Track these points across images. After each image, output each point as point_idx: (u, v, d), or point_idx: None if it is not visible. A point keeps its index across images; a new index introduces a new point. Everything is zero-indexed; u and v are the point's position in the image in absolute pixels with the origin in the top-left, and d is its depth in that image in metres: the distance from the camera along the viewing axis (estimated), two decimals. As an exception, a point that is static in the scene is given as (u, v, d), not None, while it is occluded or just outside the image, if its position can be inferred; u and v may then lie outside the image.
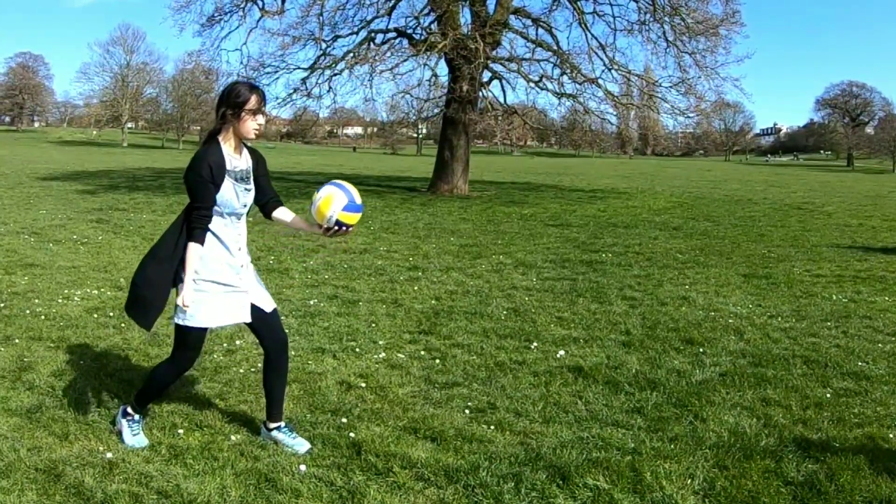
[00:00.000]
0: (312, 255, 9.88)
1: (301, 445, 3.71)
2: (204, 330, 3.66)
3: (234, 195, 3.56)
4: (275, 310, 3.82)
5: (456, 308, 7.01)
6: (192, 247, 3.49)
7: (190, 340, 3.64)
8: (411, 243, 11.61)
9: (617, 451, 3.77)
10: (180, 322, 3.57)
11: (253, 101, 3.51)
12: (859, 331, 6.43)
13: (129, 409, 3.83)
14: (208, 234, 3.55)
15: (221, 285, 3.59)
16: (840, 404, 4.56)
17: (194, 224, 3.50)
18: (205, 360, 5.03)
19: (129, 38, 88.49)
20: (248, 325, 3.76)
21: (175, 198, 17.85)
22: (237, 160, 3.61)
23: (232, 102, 3.50)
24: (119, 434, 3.81)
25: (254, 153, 3.76)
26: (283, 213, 3.81)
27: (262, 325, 3.75)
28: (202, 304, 3.55)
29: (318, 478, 3.40)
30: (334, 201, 3.56)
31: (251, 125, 3.54)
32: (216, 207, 3.54)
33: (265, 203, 3.79)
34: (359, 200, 3.64)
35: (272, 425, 3.81)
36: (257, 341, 4.95)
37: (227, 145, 3.58)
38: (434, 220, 15.05)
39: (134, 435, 3.77)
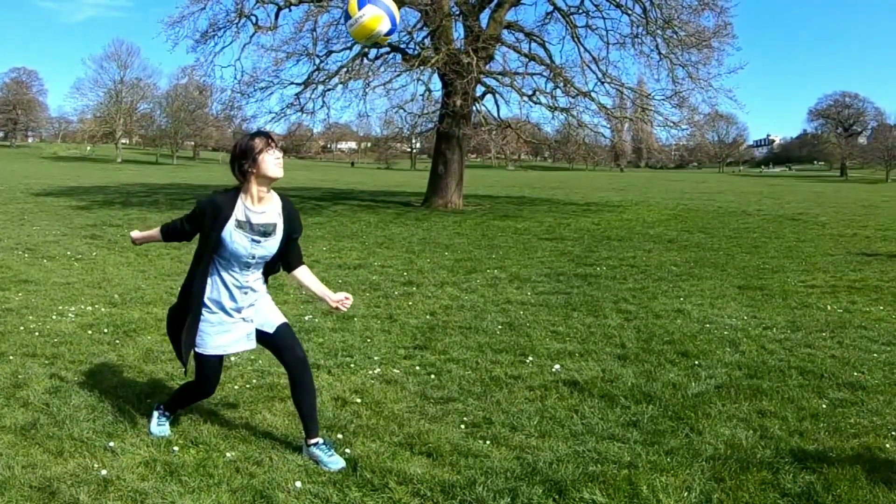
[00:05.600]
0: (308, 270, 9.86)
1: (335, 463, 3.70)
2: (215, 358, 3.83)
3: (244, 245, 3.66)
4: (286, 327, 3.89)
5: (451, 323, 7.00)
6: (158, 229, 4.00)
7: (203, 367, 3.84)
8: (406, 258, 11.61)
9: (613, 465, 3.76)
10: (196, 349, 3.77)
11: (258, 143, 3.63)
12: (854, 341, 6.44)
13: (162, 406, 4.16)
14: (213, 276, 3.73)
15: (223, 320, 3.74)
16: (836, 415, 4.57)
17: (172, 221, 3.94)
18: (200, 376, 5.01)
19: (122, 53, 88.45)
20: (265, 346, 3.92)
21: (169, 213, 17.83)
22: (256, 214, 3.69)
23: (241, 155, 3.63)
24: (149, 420, 4.16)
25: (287, 209, 3.83)
26: (302, 274, 4.01)
27: (277, 344, 3.86)
28: (207, 333, 3.73)
29: (314, 494, 3.39)
30: (381, 23, 3.76)
31: (270, 161, 3.64)
32: (223, 256, 3.69)
33: (290, 262, 3.95)
34: (398, 18, 3.87)
35: (311, 441, 3.81)
36: (251, 358, 4.94)
37: (246, 196, 3.69)
38: (428, 235, 15.06)
39: (159, 426, 4.10)
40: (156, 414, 4.15)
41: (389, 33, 3.82)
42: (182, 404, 4.18)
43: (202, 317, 3.72)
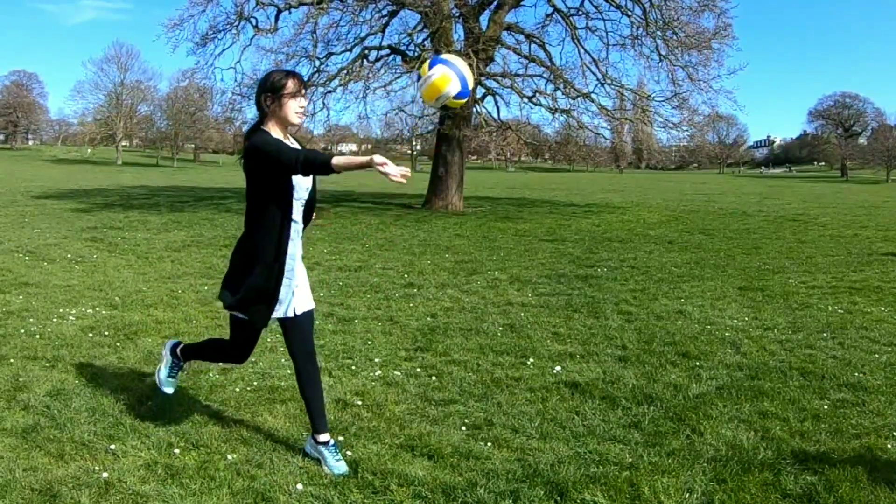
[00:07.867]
0: (308, 273, 9.87)
1: (340, 468, 3.66)
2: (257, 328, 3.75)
3: (300, 177, 3.55)
4: (308, 315, 3.77)
5: (451, 325, 7.00)
6: (337, 157, 3.28)
7: (248, 331, 3.76)
8: (406, 260, 11.61)
9: (615, 467, 3.76)
10: (237, 315, 3.68)
11: (290, 85, 3.51)
12: (855, 342, 6.44)
13: (178, 351, 4.06)
14: (291, 221, 3.56)
15: (286, 278, 3.61)
16: (837, 416, 4.56)
17: (313, 157, 3.29)
18: (200, 378, 5.01)
19: (123, 55, 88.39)
20: (281, 326, 3.77)
21: (170, 216, 17.83)
22: (291, 143, 3.60)
23: (269, 88, 3.51)
24: (158, 362, 4.16)
25: (299, 142, 3.76)
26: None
27: (294, 329, 3.72)
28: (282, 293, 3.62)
29: (315, 496, 3.39)
30: (451, 83, 3.61)
31: (293, 107, 3.53)
32: (286, 198, 3.52)
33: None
34: (471, 84, 3.71)
35: (321, 439, 3.75)
36: (252, 360, 4.92)
37: (273, 131, 3.55)
38: (429, 237, 15.06)
39: (169, 377, 4.11)
40: (170, 360, 4.06)
41: (460, 96, 3.66)
42: (203, 357, 4.10)
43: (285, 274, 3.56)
